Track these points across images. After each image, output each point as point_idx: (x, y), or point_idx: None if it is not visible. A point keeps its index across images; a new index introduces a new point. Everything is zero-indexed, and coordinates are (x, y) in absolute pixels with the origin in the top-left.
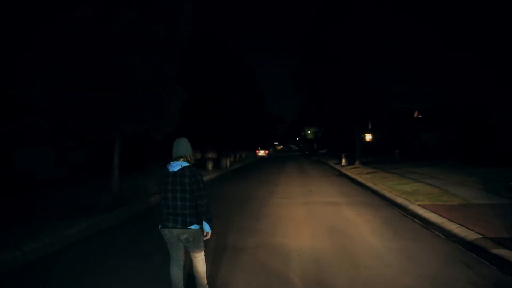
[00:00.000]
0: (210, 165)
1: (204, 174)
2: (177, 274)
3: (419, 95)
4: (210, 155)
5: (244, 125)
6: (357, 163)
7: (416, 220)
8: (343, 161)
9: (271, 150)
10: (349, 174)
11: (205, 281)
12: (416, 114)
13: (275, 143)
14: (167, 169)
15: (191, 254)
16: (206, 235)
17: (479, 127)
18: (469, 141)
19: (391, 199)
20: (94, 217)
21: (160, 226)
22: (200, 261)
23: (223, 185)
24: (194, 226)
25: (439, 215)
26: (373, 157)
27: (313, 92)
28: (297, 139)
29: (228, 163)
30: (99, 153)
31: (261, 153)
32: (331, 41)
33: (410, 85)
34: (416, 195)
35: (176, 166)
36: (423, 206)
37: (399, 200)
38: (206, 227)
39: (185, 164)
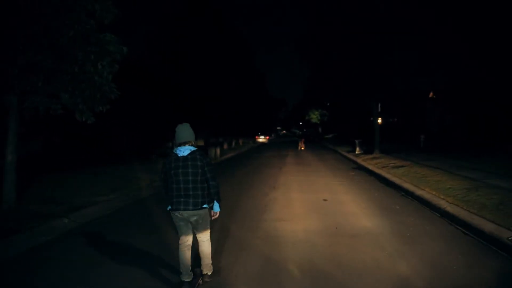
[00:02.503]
0: None
1: None
2: (185, 254)
3: (435, 74)
4: (198, 142)
5: (240, 107)
6: (376, 152)
7: None
8: (357, 149)
9: (272, 135)
10: (371, 167)
11: (210, 261)
12: (431, 94)
13: (278, 127)
14: (176, 154)
15: (198, 236)
16: (215, 215)
17: None
18: None
19: (474, 225)
20: None
21: (169, 208)
22: (206, 243)
23: None
24: (205, 206)
25: None
26: (390, 144)
27: (322, 61)
28: (300, 123)
29: (218, 152)
30: (63, 141)
31: (261, 139)
32: None
33: (425, 63)
34: None
35: (185, 150)
36: None
37: (501, 232)
38: (216, 206)
39: (193, 148)
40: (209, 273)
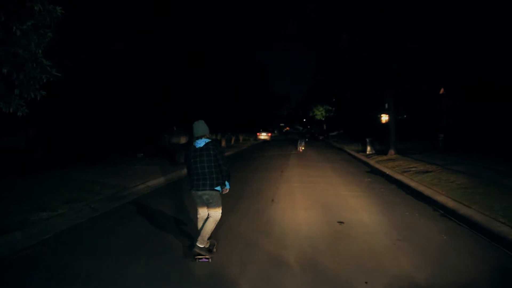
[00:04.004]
0: (181, 159)
1: (152, 177)
2: (201, 223)
3: (445, 70)
4: (183, 140)
5: (242, 104)
6: (391, 152)
7: None
8: (369, 148)
9: (275, 132)
10: (388, 172)
11: (206, 237)
12: (442, 91)
13: (281, 124)
14: (194, 146)
15: (209, 212)
16: (226, 191)
17: None
18: None
19: None
20: None
21: (190, 188)
22: (212, 221)
23: (144, 224)
24: (217, 188)
25: None
26: (402, 143)
27: (330, 50)
28: (304, 120)
29: None
30: (50, 136)
31: (263, 136)
32: None
33: (436, 59)
34: None
35: (201, 142)
36: None
37: None
38: (227, 184)
39: (207, 140)
40: (200, 246)
